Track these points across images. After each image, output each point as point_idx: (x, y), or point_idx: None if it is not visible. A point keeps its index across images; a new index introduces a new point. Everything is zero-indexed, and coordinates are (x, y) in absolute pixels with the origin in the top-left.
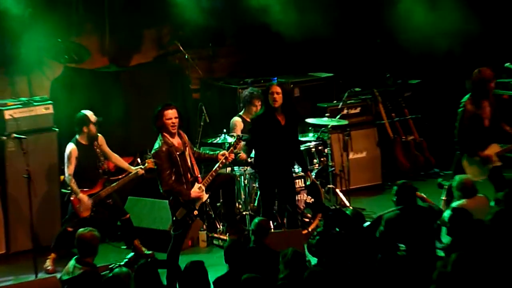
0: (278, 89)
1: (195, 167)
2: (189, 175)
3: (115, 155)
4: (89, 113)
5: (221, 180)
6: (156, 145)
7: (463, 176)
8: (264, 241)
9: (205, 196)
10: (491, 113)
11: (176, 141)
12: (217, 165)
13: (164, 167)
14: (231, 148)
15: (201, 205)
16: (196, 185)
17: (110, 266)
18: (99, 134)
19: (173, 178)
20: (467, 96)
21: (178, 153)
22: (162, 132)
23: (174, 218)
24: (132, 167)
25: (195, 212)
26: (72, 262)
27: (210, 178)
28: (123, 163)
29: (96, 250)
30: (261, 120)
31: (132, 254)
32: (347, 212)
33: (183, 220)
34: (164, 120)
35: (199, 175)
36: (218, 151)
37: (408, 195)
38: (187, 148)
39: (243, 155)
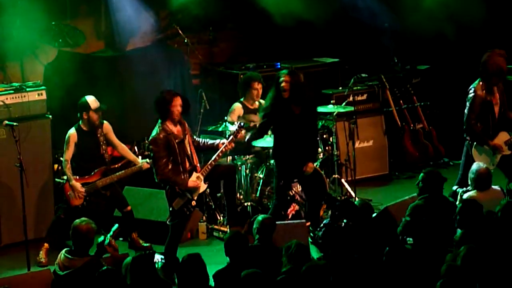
0: (287, 78)
1: (194, 156)
2: (187, 164)
3: (122, 145)
4: (90, 99)
5: (221, 171)
6: (154, 132)
7: (480, 165)
8: (269, 239)
9: (204, 186)
10: (500, 99)
11: (176, 128)
12: (216, 154)
13: (161, 155)
14: (232, 137)
15: (200, 195)
16: (194, 175)
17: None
18: (104, 122)
19: (169, 167)
20: (477, 81)
21: (177, 140)
22: (164, 119)
23: (170, 209)
24: (138, 160)
25: (193, 203)
26: (62, 254)
27: (209, 167)
28: (130, 154)
29: (92, 243)
30: (275, 109)
31: (116, 226)
32: (355, 203)
33: (181, 210)
34: (171, 107)
35: (197, 164)
36: (219, 140)
37: (435, 182)
38: (187, 136)
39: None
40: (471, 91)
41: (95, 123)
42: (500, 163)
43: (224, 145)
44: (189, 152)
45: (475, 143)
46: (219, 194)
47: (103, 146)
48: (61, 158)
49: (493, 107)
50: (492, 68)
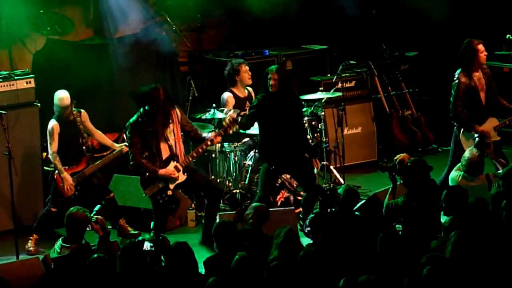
0: (275, 75)
1: (179, 145)
2: (163, 152)
3: (99, 132)
4: (59, 96)
5: (206, 187)
6: (133, 118)
7: (473, 151)
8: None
9: (183, 177)
10: (486, 85)
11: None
12: (199, 146)
13: (134, 141)
14: (220, 131)
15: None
16: (172, 164)
17: None
18: (82, 110)
19: (145, 154)
20: (460, 69)
21: (150, 128)
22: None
23: (144, 195)
24: (116, 144)
25: (169, 192)
26: (58, 244)
27: (190, 158)
28: (106, 140)
29: (85, 230)
30: (263, 103)
31: (99, 206)
32: (339, 190)
33: (154, 198)
34: (158, 101)
35: (180, 154)
36: (212, 133)
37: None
38: (170, 125)
39: (232, 114)
40: (454, 78)
41: (69, 117)
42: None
43: (210, 138)
44: (171, 141)
45: (462, 129)
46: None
47: (85, 134)
48: (48, 147)
49: (479, 93)
50: (464, 54)
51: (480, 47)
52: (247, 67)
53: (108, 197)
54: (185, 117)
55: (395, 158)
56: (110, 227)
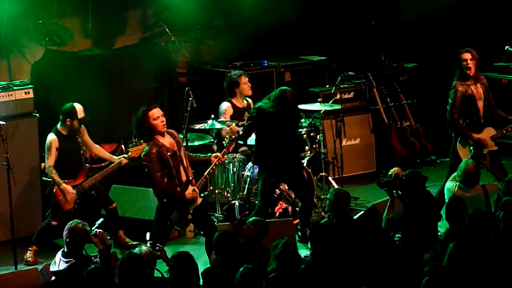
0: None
1: (189, 169)
2: (183, 177)
3: (96, 145)
4: (79, 107)
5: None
6: (146, 147)
7: (469, 161)
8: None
9: (200, 200)
10: (484, 95)
11: (167, 141)
12: (210, 167)
13: (155, 169)
14: (224, 150)
15: None
16: (190, 188)
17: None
18: (81, 125)
19: (165, 180)
20: (456, 78)
21: (169, 153)
22: (150, 139)
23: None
24: (114, 157)
25: (189, 216)
26: (58, 256)
27: (204, 180)
28: (104, 153)
29: (84, 244)
30: (260, 114)
31: (102, 220)
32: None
33: (178, 224)
34: (152, 121)
35: (192, 178)
36: (210, 154)
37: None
38: (181, 149)
39: (234, 127)
40: (452, 87)
41: (76, 131)
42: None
43: (218, 158)
44: (185, 165)
45: (459, 138)
46: (206, 193)
47: (83, 147)
48: (45, 166)
49: (476, 102)
50: (458, 63)
51: (464, 55)
52: (246, 79)
53: (110, 207)
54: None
55: (389, 173)
56: (108, 237)
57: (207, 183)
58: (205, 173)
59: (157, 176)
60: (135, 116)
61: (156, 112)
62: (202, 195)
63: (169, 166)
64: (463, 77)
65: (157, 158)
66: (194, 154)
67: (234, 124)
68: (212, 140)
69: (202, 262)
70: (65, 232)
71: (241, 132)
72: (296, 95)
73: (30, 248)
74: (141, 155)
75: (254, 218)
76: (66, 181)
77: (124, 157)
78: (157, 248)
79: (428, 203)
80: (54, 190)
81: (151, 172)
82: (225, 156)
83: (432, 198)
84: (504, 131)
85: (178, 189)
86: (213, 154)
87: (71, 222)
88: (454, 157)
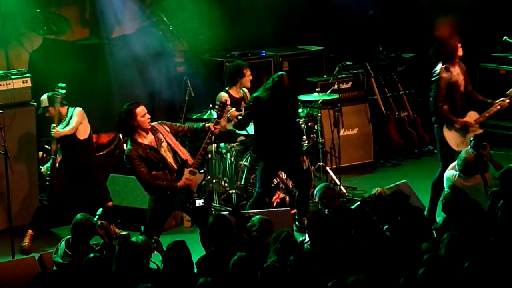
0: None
1: (183, 152)
2: (173, 165)
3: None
4: (45, 96)
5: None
6: (127, 148)
7: (469, 151)
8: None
9: (200, 176)
10: (464, 80)
11: (148, 139)
12: (204, 142)
13: (139, 168)
14: (216, 119)
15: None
16: (186, 171)
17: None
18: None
19: (153, 174)
20: (439, 65)
21: (148, 151)
22: (132, 135)
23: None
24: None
25: (195, 195)
26: (62, 247)
27: (200, 158)
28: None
29: (91, 238)
30: (258, 103)
31: (101, 210)
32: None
33: (183, 209)
34: (139, 118)
35: (188, 158)
36: (204, 123)
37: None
38: (162, 143)
39: (234, 112)
40: (435, 74)
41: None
42: (474, 142)
43: (210, 129)
44: (172, 153)
45: (445, 125)
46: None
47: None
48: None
49: (459, 88)
50: (448, 51)
51: (456, 40)
52: (249, 72)
53: (107, 205)
54: (173, 124)
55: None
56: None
57: (206, 166)
58: (200, 150)
59: (142, 173)
60: (119, 113)
61: (142, 110)
62: (202, 171)
63: (152, 162)
64: (452, 63)
65: (138, 158)
66: (188, 127)
67: (234, 109)
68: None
69: (200, 252)
70: (71, 226)
71: (239, 117)
72: (293, 81)
73: (26, 234)
74: (124, 158)
75: (259, 217)
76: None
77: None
78: (152, 240)
79: (415, 222)
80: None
81: (136, 172)
82: (218, 126)
83: (420, 215)
84: (486, 114)
85: (170, 179)
86: (206, 124)
87: (78, 216)
88: (442, 145)
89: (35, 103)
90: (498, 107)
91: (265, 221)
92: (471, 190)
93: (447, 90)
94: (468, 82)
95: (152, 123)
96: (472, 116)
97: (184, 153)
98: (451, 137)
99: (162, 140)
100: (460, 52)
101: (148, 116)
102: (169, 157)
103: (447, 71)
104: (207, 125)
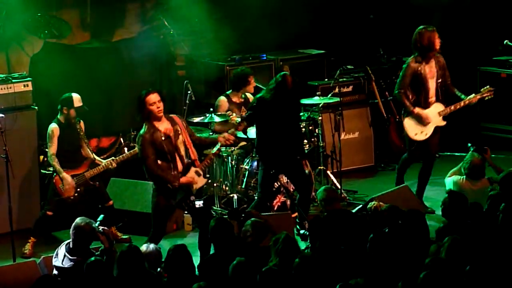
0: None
1: (192, 151)
2: (179, 161)
3: (87, 149)
4: (76, 97)
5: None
6: (141, 131)
7: (475, 154)
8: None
9: (203, 180)
10: (437, 73)
11: (163, 126)
12: (216, 147)
13: (147, 153)
14: (232, 130)
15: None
16: (192, 169)
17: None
18: (81, 121)
19: (159, 163)
20: (412, 55)
21: (163, 138)
22: (148, 120)
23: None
24: (102, 161)
25: (192, 198)
26: (62, 252)
27: (209, 161)
28: (90, 154)
29: (91, 242)
30: (261, 105)
31: (102, 216)
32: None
33: (179, 206)
34: (148, 106)
35: (196, 159)
36: (218, 135)
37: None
38: (179, 135)
39: (234, 117)
40: (405, 63)
41: (71, 121)
42: (431, 135)
43: (225, 138)
44: (184, 148)
45: (406, 115)
46: (205, 186)
47: (85, 140)
48: (47, 150)
49: (426, 80)
50: (425, 43)
51: (434, 34)
52: (253, 79)
53: (107, 204)
54: (189, 126)
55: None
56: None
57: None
58: (210, 154)
59: (149, 159)
60: (137, 98)
61: (153, 98)
62: (207, 175)
63: (162, 150)
64: (421, 55)
65: (149, 142)
66: (202, 137)
67: (234, 115)
68: (211, 133)
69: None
70: (71, 230)
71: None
72: (296, 81)
73: (28, 240)
74: (136, 139)
75: (252, 220)
76: (66, 170)
77: (113, 160)
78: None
79: (415, 226)
80: (54, 180)
81: (143, 157)
82: (232, 136)
83: (420, 219)
84: (452, 107)
85: (173, 173)
86: (221, 135)
87: (78, 220)
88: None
89: (36, 107)
90: (467, 102)
91: (258, 224)
92: (479, 194)
93: (412, 79)
94: (444, 75)
95: (172, 115)
96: (437, 108)
97: (194, 154)
98: (410, 125)
99: (179, 132)
100: (437, 45)
101: (158, 104)
102: (182, 150)
103: (416, 61)
104: (220, 135)
